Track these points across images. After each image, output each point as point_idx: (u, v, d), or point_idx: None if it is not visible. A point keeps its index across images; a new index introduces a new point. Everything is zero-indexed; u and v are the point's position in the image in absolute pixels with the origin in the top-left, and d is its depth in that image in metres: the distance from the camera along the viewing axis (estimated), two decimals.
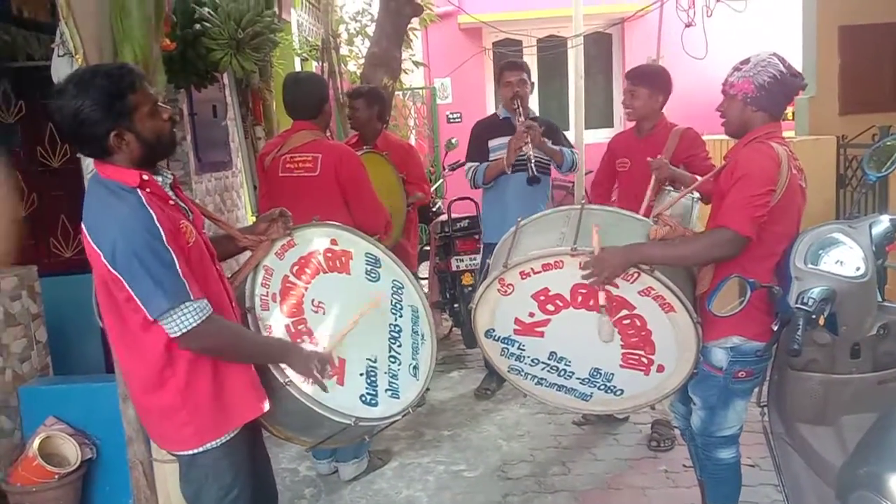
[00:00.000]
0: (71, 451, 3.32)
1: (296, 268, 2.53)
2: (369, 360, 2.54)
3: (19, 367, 3.53)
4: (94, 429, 3.44)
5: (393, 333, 2.65)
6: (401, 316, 2.70)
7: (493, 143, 4.44)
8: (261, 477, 2.44)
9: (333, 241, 2.66)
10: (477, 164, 4.47)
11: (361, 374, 2.51)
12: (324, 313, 2.51)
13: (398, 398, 2.57)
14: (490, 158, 4.43)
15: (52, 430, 3.33)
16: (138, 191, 2.00)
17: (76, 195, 4.37)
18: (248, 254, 2.53)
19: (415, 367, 2.67)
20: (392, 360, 2.61)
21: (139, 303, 1.96)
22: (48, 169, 4.70)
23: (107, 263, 1.96)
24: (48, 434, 3.30)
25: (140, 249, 1.93)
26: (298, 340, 2.37)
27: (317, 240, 2.63)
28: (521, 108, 4.27)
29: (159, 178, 2.10)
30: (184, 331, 1.98)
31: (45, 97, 4.43)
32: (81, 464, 3.33)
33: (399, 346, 2.65)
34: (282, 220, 2.50)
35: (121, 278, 1.95)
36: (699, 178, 3.14)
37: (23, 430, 3.47)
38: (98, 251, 1.98)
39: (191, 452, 2.16)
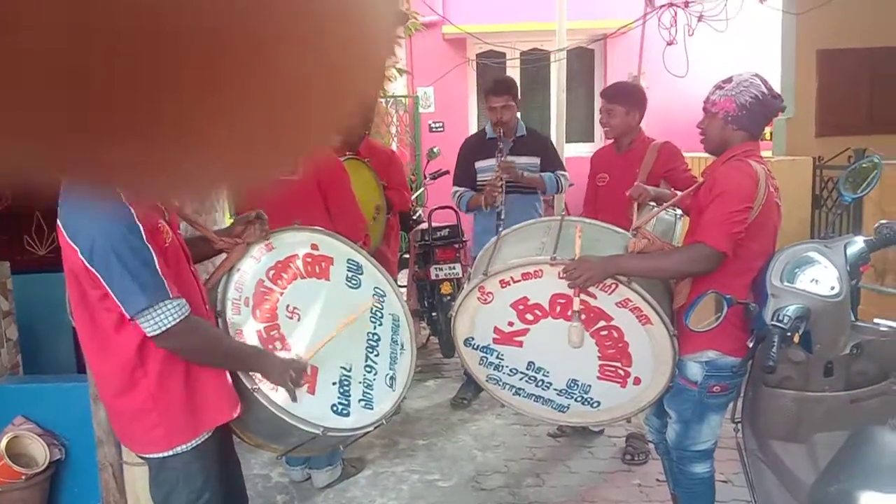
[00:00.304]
0: (39, 451, 3.26)
1: (272, 272, 2.48)
2: (343, 368, 2.50)
3: None
4: (63, 429, 3.38)
5: (371, 342, 2.61)
6: (380, 324, 2.66)
7: (479, 165, 4.45)
8: (231, 482, 2.42)
9: (314, 246, 2.63)
10: (463, 190, 4.49)
11: (334, 384, 2.46)
12: (299, 319, 2.47)
13: (372, 409, 2.53)
14: (477, 180, 4.44)
15: (21, 430, 3.27)
16: None
17: (52, 193, 4.37)
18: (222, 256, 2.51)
19: (391, 378, 2.63)
20: (368, 369, 2.57)
21: (116, 301, 1.94)
22: None
23: (83, 260, 1.93)
24: (16, 434, 3.24)
25: (119, 246, 1.91)
26: (270, 347, 2.34)
27: (296, 244, 2.59)
28: (501, 139, 4.32)
29: None
30: (162, 329, 1.97)
31: None
32: (50, 465, 3.27)
33: (376, 355, 2.61)
34: (258, 223, 2.46)
35: (98, 275, 1.93)
36: (679, 193, 3.17)
37: None
38: (75, 247, 1.95)
39: (161, 455, 2.14)
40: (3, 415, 3.36)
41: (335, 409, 2.42)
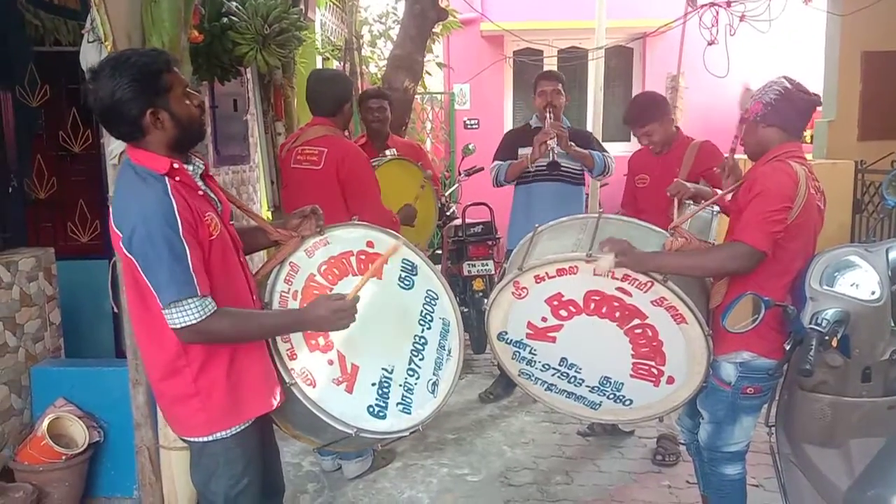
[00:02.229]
0: (79, 433, 3.35)
1: (324, 267, 2.46)
2: (385, 370, 2.44)
3: (32, 348, 3.57)
4: (102, 412, 3.47)
5: (417, 345, 2.55)
6: (429, 328, 2.59)
7: (522, 151, 4.44)
8: (269, 469, 2.45)
9: (370, 244, 2.58)
10: (502, 162, 4.50)
11: (374, 384, 2.41)
12: None
13: (410, 413, 2.46)
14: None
15: (62, 412, 3.35)
16: (166, 179, 2.02)
17: (95, 181, 4.49)
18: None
19: (434, 384, 2.55)
20: (410, 373, 2.50)
21: (152, 289, 1.98)
22: (69, 154, 4.74)
23: (123, 247, 1.98)
24: (57, 415, 3.32)
25: (156, 237, 1.95)
26: (313, 342, 2.33)
27: (352, 241, 2.56)
28: (551, 115, 4.31)
29: (190, 167, 2.11)
30: (184, 325, 1.99)
31: (71, 82, 4.55)
32: (88, 447, 3.35)
33: (421, 359, 2.54)
34: (314, 217, 2.46)
35: (135, 263, 1.98)
36: (719, 191, 3.15)
37: (32, 409, 3.50)
38: (119, 233, 2.00)
39: (202, 440, 2.17)
40: (45, 396, 3.46)
41: (371, 410, 2.38)
